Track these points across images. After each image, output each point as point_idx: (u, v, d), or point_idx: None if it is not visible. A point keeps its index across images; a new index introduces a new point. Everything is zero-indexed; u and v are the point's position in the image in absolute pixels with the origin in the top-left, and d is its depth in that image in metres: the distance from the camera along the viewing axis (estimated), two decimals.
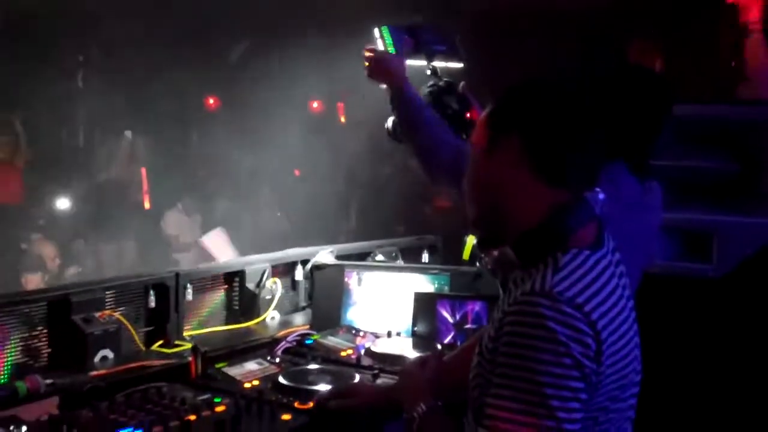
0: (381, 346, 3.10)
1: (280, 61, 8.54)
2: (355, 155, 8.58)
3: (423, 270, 3.50)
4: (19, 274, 7.15)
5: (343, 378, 2.76)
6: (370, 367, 2.90)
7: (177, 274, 3.23)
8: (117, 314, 3.00)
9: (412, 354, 2.98)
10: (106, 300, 3.00)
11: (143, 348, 3.09)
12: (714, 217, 3.52)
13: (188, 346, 2.99)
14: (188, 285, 3.26)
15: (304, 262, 3.76)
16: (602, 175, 1.87)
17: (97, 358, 2.84)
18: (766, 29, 5.00)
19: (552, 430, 1.61)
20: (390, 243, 4.20)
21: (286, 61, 8.45)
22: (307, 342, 3.15)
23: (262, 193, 8.98)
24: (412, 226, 7.33)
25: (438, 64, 3.12)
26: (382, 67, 2.96)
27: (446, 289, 3.35)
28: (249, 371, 2.86)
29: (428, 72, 3.09)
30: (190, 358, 2.82)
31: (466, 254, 3.43)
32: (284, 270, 3.79)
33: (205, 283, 3.44)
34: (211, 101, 9.78)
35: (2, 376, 2.70)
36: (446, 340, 3.16)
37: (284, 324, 3.57)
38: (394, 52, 3.00)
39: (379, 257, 3.98)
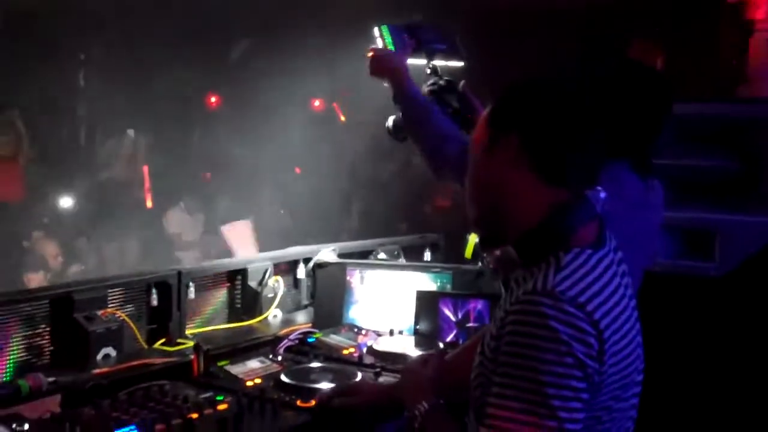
0: (383, 345, 3.10)
1: (281, 60, 8.53)
2: (358, 153, 8.59)
3: (425, 268, 3.50)
4: (21, 272, 7.16)
5: (345, 376, 2.77)
6: (372, 366, 2.90)
7: (179, 273, 3.23)
8: (119, 312, 3.00)
9: (414, 352, 2.98)
10: (109, 298, 3.00)
11: (145, 346, 3.09)
12: (716, 216, 3.52)
13: (190, 344, 2.99)
14: (190, 283, 3.26)
15: (307, 261, 3.76)
16: (604, 174, 1.86)
17: (99, 356, 2.84)
18: None
19: (553, 430, 1.61)
20: (392, 241, 4.20)
21: (287, 60, 8.45)
22: (309, 340, 3.15)
23: (264, 191, 8.98)
24: (415, 225, 7.34)
25: (438, 62, 3.12)
26: (383, 65, 2.97)
27: (448, 288, 3.36)
28: (251, 369, 2.86)
29: (428, 71, 3.09)
30: (192, 356, 2.82)
31: (468, 252, 3.43)
32: (286, 268, 3.79)
33: (207, 281, 3.45)
34: (213, 99, 9.78)
35: (5, 374, 2.70)
36: (448, 339, 3.17)
37: (286, 322, 3.57)
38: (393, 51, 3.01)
39: (381, 255, 3.98)
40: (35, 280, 7.01)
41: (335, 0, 8.10)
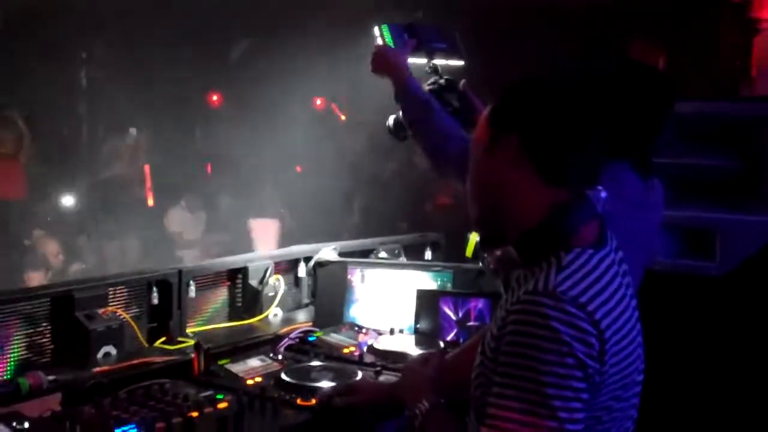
0: (383, 343, 3.10)
1: (282, 58, 8.54)
2: (358, 152, 8.59)
3: (426, 267, 3.50)
4: (22, 271, 7.15)
5: (345, 375, 2.77)
6: (372, 364, 2.90)
7: (180, 271, 3.24)
8: (120, 311, 3.00)
9: (414, 351, 2.98)
10: (109, 296, 3.01)
11: (146, 345, 3.09)
12: (716, 215, 3.51)
13: (191, 342, 2.99)
14: (191, 282, 3.26)
15: (307, 259, 3.76)
16: (604, 173, 1.86)
17: (99, 355, 2.84)
18: None
19: (554, 431, 1.61)
20: (393, 240, 4.20)
21: (288, 58, 8.45)
22: (310, 339, 3.16)
23: (265, 190, 8.98)
24: (415, 223, 7.34)
25: (438, 62, 3.12)
26: (385, 61, 2.97)
27: (449, 286, 3.36)
28: (252, 368, 2.86)
29: (428, 70, 3.09)
30: (192, 355, 2.83)
31: (468, 251, 3.43)
32: (287, 267, 3.79)
33: (207, 279, 3.45)
34: (215, 98, 9.78)
35: (5, 373, 2.70)
36: (449, 338, 3.17)
37: (287, 321, 3.57)
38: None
39: (382, 254, 3.98)
40: (35, 278, 7.01)
41: None
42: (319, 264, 3.60)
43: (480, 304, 3.16)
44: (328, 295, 3.51)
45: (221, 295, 3.53)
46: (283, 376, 2.73)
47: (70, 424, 2.23)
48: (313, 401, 2.51)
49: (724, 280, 3.45)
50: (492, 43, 7.22)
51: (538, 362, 1.61)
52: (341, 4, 8.08)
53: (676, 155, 3.36)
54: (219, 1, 8.14)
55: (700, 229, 3.54)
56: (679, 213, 3.32)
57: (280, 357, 2.98)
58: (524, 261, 1.79)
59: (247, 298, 3.55)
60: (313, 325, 3.34)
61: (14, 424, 2.20)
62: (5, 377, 2.68)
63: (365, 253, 3.95)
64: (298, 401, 2.55)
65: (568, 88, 1.81)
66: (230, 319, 3.53)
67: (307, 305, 3.79)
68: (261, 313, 3.53)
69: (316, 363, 2.91)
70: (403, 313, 3.31)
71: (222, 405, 2.43)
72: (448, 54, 3.17)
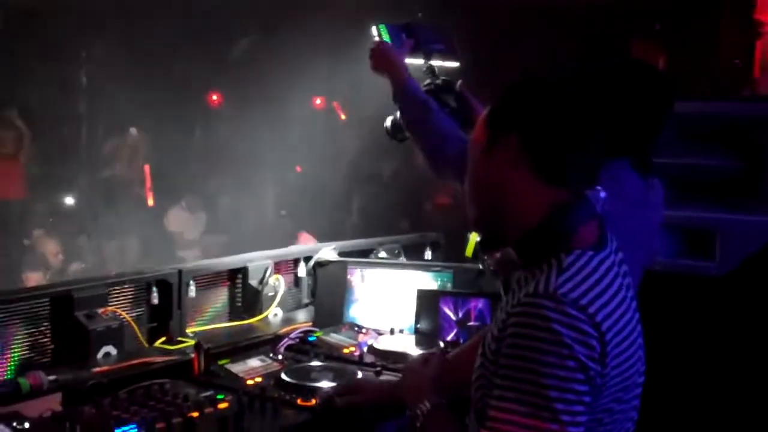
0: (383, 343, 3.10)
1: (282, 58, 8.54)
2: (358, 151, 8.59)
3: (426, 267, 3.50)
4: (20, 271, 7.15)
5: (345, 375, 2.77)
6: (372, 364, 2.90)
7: (180, 271, 3.23)
8: (120, 311, 3.00)
9: (414, 351, 2.98)
10: (109, 296, 3.00)
11: (146, 345, 3.08)
12: (716, 215, 3.51)
13: (191, 342, 2.99)
14: (191, 282, 3.26)
15: (307, 259, 3.76)
16: (604, 173, 1.86)
17: (99, 355, 2.84)
18: None
19: None
20: (393, 240, 4.20)
21: (288, 58, 8.45)
22: (310, 339, 3.16)
23: (265, 189, 8.99)
24: (415, 222, 7.35)
25: (435, 63, 3.12)
26: (385, 58, 2.96)
27: (449, 286, 3.36)
28: (252, 368, 2.86)
29: (424, 70, 3.09)
30: (192, 355, 2.83)
31: (468, 251, 3.43)
32: (287, 267, 3.79)
33: (207, 279, 3.45)
34: (215, 97, 9.79)
35: (5, 373, 2.70)
36: (449, 338, 3.17)
37: (287, 321, 3.57)
38: None
39: (382, 254, 3.98)
40: (34, 279, 7.00)
41: None
42: (319, 264, 3.60)
43: (480, 304, 3.16)
44: (328, 295, 3.51)
45: (221, 295, 3.53)
46: (283, 376, 2.73)
47: (70, 424, 2.22)
48: (314, 401, 2.51)
49: (724, 280, 3.45)
50: (492, 43, 7.23)
51: (539, 365, 1.61)
52: (341, 4, 8.09)
53: (676, 155, 3.36)
54: (219, 1, 8.15)
55: (700, 229, 3.54)
56: (679, 213, 3.32)
57: (280, 357, 2.98)
58: (524, 262, 1.79)
59: (247, 298, 3.55)
60: (313, 325, 3.33)
61: (14, 424, 2.20)
62: (5, 377, 2.68)
63: (365, 252, 3.95)
64: (298, 401, 2.55)
65: (568, 87, 1.80)
66: (230, 319, 3.53)
67: (307, 305, 3.79)
68: (261, 313, 3.53)
69: (316, 363, 2.91)
70: (403, 313, 3.31)
71: (222, 405, 2.43)
72: (445, 55, 3.17)
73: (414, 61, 3.07)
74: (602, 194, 1.92)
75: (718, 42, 6.90)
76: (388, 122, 3.05)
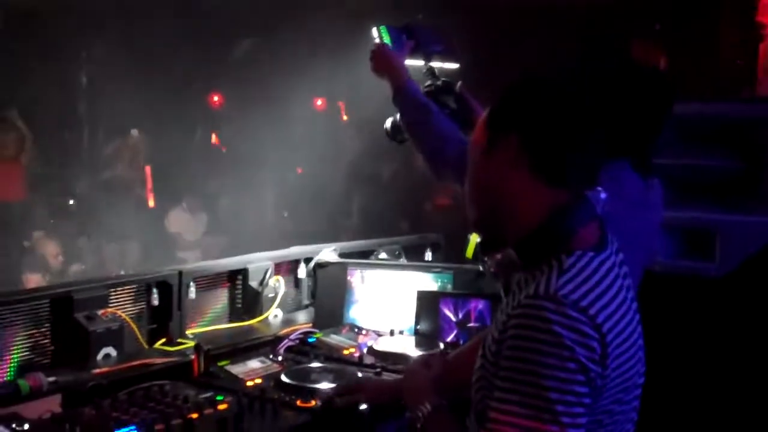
0: (383, 345, 3.10)
1: (283, 59, 8.54)
2: (358, 152, 8.59)
3: (426, 268, 3.50)
4: (20, 272, 7.15)
5: (345, 376, 2.77)
6: (372, 366, 2.90)
7: (180, 272, 3.23)
8: (120, 312, 3.00)
9: (414, 352, 2.98)
10: (109, 298, 3.00)
11: (146, 346, 3.08)
12: (716, 216, 3.51)
13: (191, 344, 2.99)
14: (191, 283, 3.26)
15: (307, 260, 3.76)
16: (604, 173, 1.86)
17: (99, 356, 2.84)
18: None
19: None
20: (393, 241, 4.20)
21: (290, 59, 8.45)
22: (310, 340, 3.16)
23: (265, 190, 8.98)
24: (416, 224, 7.34)
25: (435, 64, 3.12)
26: (385, 61, 2.96)
27: (449, 288, 3.36)
28: (251, 369, 2.86)
29: (424, 72, 3.09)
30: (192, 356, 2.83)
31: (469, 252, 3.43)
32: (287, 268, 3.79)
33: (208, 281, 3.45)
34: (216, 98, 9.79)
35: (5, 374, 2.70)
36: (449, 339, 3.17)
37: (287, 322, 3.57)
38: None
39: (382, 255, 3.98)
40: (34, 281, 6.99)
41: None
42: (319, 265, 3.60)
43: (480, 305, 3.16)
44: (328, 297, 3.51)
45: (221, 296, 3.53)
46: (283, 377, 2.73)
47: (69, 425, 2.23)
48: (313, 403, 2.51)
49: (724, 281, 3.45)
50: (492, 43, 7.22)
51: (540, 366, 1.61)
52: (341, 5, 8.09)
53: (676, 156, 3.36)
54: (219, 1, 8.14)
55: (700, 229, 3.54)
56: (679, 213, 3.32)
57: (280, 358, 2.98)
58: (525, 264, 1.78)
59: (247, 299, 3.55)
60: (313, 327, 3.34)
61: (14, 425, 2.20)
62: (5, 379, 2.68)
63: (365, 254, 3.95)
64: (298, 403, 2.55)
65: (568, 88, 1.80)
66: (230, 321, 3.53)
67: (307, 306, 3.80)
68: (261, 315, 3.53)
69: (316, 364, 2.91)
70: (403, 315, 3.31)
71: (222, 406, 2.43)
72: (445, 56, 3.17)
73: (414, 63, 3.07)
74: (602, 195, 1.92)
75: (719, 42, 6.90)
76: (388, 124, 3.05)
